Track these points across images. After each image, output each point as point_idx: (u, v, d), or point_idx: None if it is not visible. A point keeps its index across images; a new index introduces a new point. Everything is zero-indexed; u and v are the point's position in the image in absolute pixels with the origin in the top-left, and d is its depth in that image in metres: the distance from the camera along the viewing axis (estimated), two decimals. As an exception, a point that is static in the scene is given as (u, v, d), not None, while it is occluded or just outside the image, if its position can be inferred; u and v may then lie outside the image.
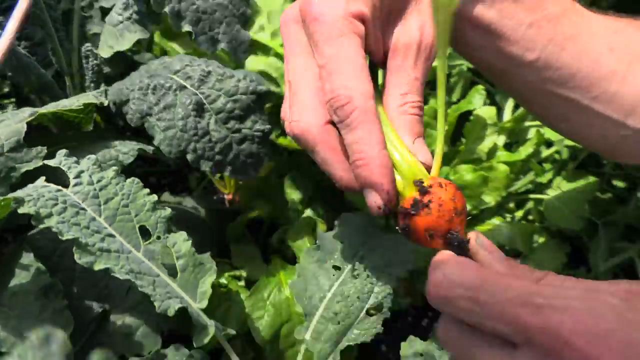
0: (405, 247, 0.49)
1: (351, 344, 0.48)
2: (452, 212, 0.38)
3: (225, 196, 0.84)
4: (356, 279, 0.50)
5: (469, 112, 0.75)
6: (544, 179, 0.78)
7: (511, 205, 0.81)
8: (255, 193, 0.77)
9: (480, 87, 0.74)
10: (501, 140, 0.80)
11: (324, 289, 0.50)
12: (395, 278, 0.51)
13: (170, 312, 0.40)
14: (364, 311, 0.48)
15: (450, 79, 0.87)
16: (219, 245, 0.73)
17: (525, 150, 0.73)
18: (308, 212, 0.71)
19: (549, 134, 0.75)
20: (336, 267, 0.50)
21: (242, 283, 0.64)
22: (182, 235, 0.45)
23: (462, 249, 0.38)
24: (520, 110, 0.80)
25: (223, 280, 0.64)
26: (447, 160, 0.75)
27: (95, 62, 0.67)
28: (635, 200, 0.75)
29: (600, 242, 0.74)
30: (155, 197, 0.45)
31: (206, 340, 0.43)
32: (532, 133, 0.77)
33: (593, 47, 0.46)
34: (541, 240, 0.76)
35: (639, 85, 0.46)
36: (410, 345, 0.48)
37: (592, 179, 0.73)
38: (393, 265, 0.51)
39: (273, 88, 0.70)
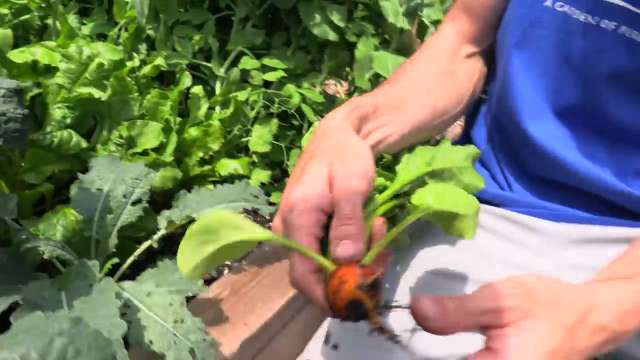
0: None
1: (124, 224, 0.79)
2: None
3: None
4: (120, 185, 0.80)
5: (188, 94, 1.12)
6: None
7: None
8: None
9: (187, 73, 1.11)
10: (218, 109, 1.19)
11: (98, 201, 0.79)
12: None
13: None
14: (129, 204, 0.80)
15: (177, 75, 1.22)
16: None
17: (229, 110, 1.13)
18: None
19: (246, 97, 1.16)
20: (99, 189, 0.80)
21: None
22: (-12, 183, 0.70)
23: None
24: (224, 87, 1.20)
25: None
26: (180, 128, 1.10)
27: None
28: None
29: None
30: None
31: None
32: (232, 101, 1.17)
33: None
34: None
35: None
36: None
37: (274, 121, 1.16)
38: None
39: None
